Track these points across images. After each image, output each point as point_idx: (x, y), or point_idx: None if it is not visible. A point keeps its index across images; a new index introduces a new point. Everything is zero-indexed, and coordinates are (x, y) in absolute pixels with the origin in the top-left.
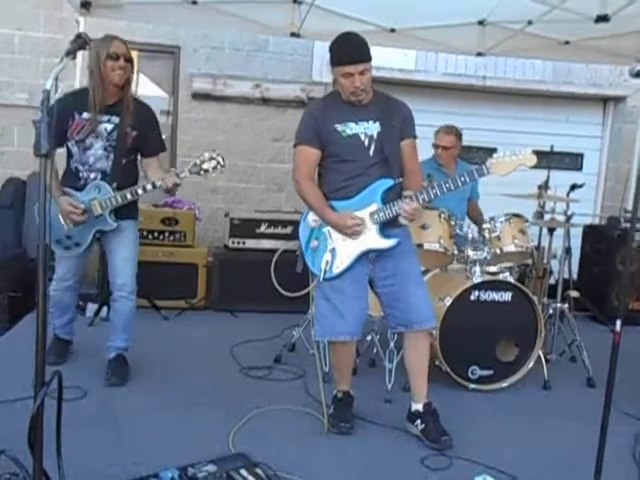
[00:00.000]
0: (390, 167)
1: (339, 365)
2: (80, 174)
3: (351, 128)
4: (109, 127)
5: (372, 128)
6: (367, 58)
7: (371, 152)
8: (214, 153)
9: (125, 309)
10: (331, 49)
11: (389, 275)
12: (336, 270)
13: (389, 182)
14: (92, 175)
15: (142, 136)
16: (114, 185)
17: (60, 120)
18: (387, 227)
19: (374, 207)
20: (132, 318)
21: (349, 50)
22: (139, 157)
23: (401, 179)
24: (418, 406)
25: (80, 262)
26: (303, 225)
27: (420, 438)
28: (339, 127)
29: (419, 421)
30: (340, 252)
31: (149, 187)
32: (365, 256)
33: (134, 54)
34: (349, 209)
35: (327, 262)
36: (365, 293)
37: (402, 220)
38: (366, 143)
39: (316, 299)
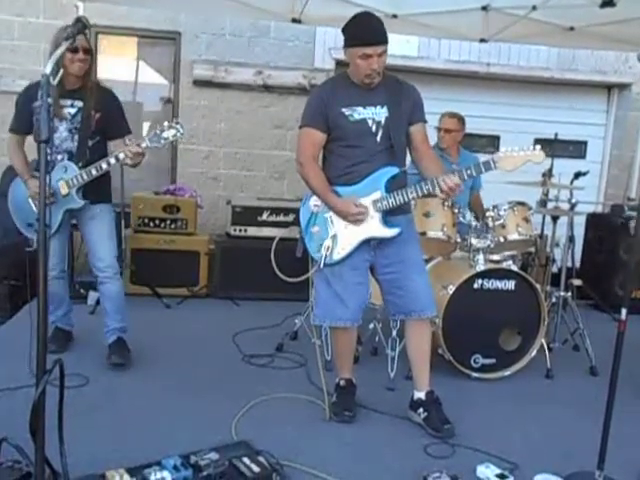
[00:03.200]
0: (396, 154)
1: (340, 351)
2: (47, 157)
3: (359, 113)
4: (72, 110)
5: (380, 114)
6: (386, 39)
7: (378, 138)
8: (173, 122)
9: (113, 290)
10: (347, 30)
11: (390, 262)
12: (337, 256)
13: (394, 170)
14: (59, 157)
15: (106, 119)
16: (80, 164)
17: (27, 108)
18: (390, 215)
19: (378, 195)
20: (122, 298)
21: (370, 31)
22: (108, 143)
23: (405, 168)
24: (420, 394)
25: (60, 249)
26: (304, 209)
27: (422, 426)
28: (346, 111)
29: (422, 409)
30: (341, 239)
31: (112, 160)
32: (366, 243)
33: (133, 41)
34: (352, 195)
35: (328, 248)
36: (366, 279)
37: (440, 195)
38: (373, 129)
39: (316, 283)
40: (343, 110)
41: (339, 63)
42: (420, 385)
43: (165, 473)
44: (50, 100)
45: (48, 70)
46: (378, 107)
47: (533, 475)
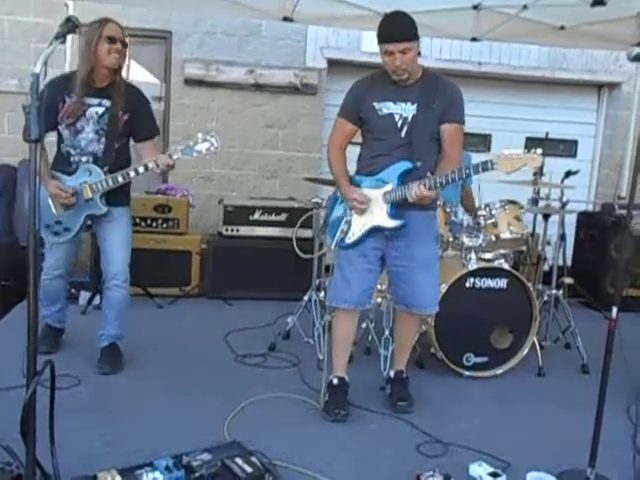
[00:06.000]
0: (413, 150)
1: (338, 337)
2: (71, 158)
3: (388, 107)
4: (100, 110)
5: (408, 110)
6: (410, 37)
7: (402, 134)
8: (207, 135)
9: (118, 298)
10: (378, 26)
11: (399, 255)
12: (348, 240)
13: (407, 165)
14: (83, 159)
15: (134, 120)
16: (105, 169)
17: (50, 103)
18: (403, 208)
19: (389, 187)
20: (125, 306)
21: (392, 28)
22: (133, 142)
23: (420, 163)
24: (392, 372)
25: (70, 251)
26: (334, 196)
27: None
28: (377, 105)
29: (389, 386)
30: (354, 225)
31: (141, 169)
32: (379, 232)
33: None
34: (368, 187)
35: (342, 231)
36: (375, 267)
37: (409, 198)
38: (399, 124)
39: (335, 266)
40: (374, 104)
41: (331, 62)
42: (395, 364)
43: (157, 474)
44: (38, 100)
45: (38, 69)
46: (408, 104)
47: (525, 473)
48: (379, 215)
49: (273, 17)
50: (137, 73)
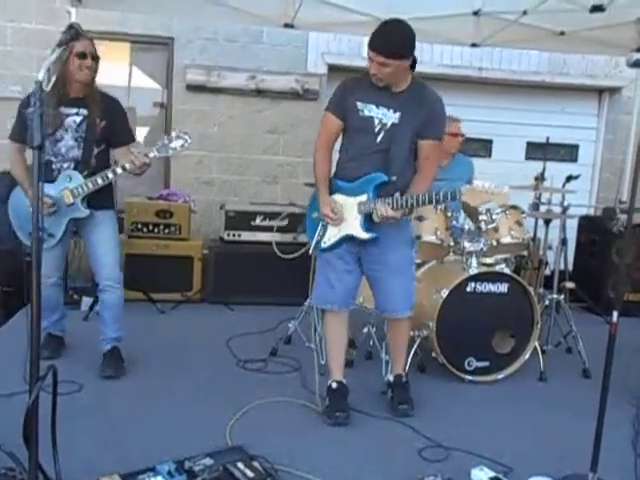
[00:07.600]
0: (389, 161)
1: (331, 339)
2: (53, 165)
3: (370, 110)
4: (78, 119)
5: (389, 117)
6: (391, 55)
7: (378, 139)
8: (181, 132)
9: (113, 299)
10: (375, 29)
11: (373, 260)
12: (324, 245)
13: (382, 178)
14: (65, 165)
15: (110, 127)
16: (85, 173)
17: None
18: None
19: (364, 198)
20: (121, 307)
21: (380, 37)
22: (112, 150)
23: (395, 177)
24: (391, 377)
25: (59, 257)
26: (314, 195)
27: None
28: (360, 105)
29: (390, 390)
30: (329, 231)
31: (119, 170)
32: (352, 239)
33: (126, 46)
34: (344, 193)
35: (319, 235)
36: (355, 268)
37: (375, 218)
38: (376, 129)
39: (317, 268)
40: (357, 104)
41: (332, 68)
42: (393, 368)
43: (159, 479)
44: (44, 107)
45: (41, 76)
46: (391, 110)
47: (527, 478)
48: (353, 225)
49: (274, 23)
50: (139, 79)
